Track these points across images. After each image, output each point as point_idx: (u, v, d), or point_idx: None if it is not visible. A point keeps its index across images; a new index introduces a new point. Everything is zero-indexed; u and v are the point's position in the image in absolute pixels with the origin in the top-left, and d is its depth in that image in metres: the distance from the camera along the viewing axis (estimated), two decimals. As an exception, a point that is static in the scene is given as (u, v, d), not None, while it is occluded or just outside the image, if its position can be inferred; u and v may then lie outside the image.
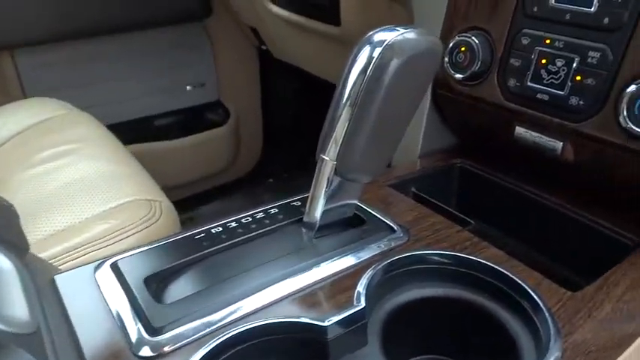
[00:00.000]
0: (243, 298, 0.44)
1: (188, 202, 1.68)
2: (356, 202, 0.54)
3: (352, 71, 0.45)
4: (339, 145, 0.48)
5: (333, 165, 0.49)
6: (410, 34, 0.46)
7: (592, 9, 0.51)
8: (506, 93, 0.60)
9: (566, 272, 0.63)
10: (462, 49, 0.62)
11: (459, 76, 0.63)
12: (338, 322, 0.41)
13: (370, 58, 0.44)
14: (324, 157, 0.49)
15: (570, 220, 0.61)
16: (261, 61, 1.72)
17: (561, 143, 0.57)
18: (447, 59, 0.64)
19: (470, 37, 0.61)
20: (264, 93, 1.76)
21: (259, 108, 1.76)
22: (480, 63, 0.61)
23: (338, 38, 1.00)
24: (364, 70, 0.44)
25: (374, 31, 0.45)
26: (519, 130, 0.61)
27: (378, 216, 0.56)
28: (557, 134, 0.57)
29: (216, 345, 0.37)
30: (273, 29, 1.31)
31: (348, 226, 0.54)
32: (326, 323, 0.41)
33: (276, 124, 1.80)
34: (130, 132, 1.54)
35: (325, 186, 0.51)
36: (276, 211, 0.56)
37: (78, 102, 1.16)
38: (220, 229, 0.54)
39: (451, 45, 0.63)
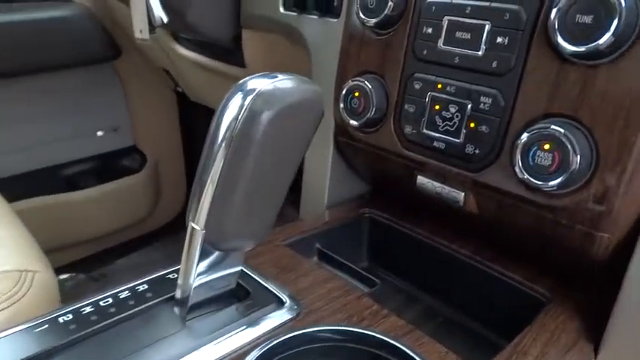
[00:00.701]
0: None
1: (101, 257, 1.55)
2: (238, 271, 0.47)
3: (221, 124, 0.39)
4: (207, 210, 0.41)
5: (203, 234, 0.42)
6: (284, 82, 0.41)
7: (480, 52, 0.48)
8: (403, 141, 0.56)
9: (480, 329, 0.58)
10: (356, 94, 0.57)
11: (354, 122, 0.58)
12: None
13: (240, 108, 0.38)
14: (192, 225, 0.42)
15: (482, 274, 0.57)
16: (180, 103, 1.65)
17: (463, 194, 0.53)
18: (342, 105, 0.59)
19: (363, 82, 0.57)
20: (185, 137, 1.67)
21: (180, 153, 1.67)
22: (374, 109, 0.56)
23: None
24: (233, 123, 0.38)
25: (248, 77, 0.40)
26: (421, 180, 0.57)
27: (267, 286, 0.49)
28: (458, 184, 0.53)
29: None
30: (184, 71, 1.25)
31: (230, 301, 0.47)
32: None
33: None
34: (32, 184, 1.41)
35: (197, 258, 0.44)
36: (146, 287, 0.48)
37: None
38: (92, 308, 0.45)
39: (345, 90, 0.59)
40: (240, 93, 0.39)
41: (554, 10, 0.41)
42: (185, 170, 1.69)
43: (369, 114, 0.57)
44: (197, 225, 0.42)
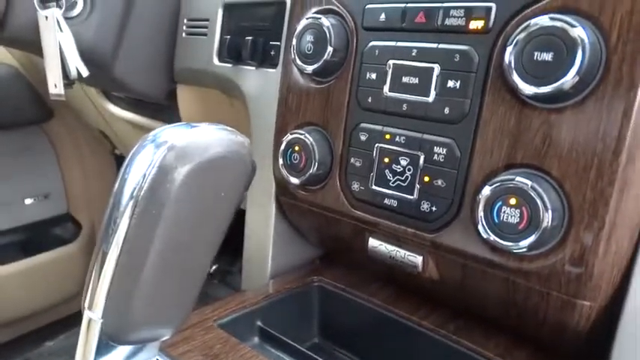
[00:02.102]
0: None
1: (27, 340, 1.38)
2: (151, 366, 0.38)
3: (125, 184, 0.32)
4: (106, 293, 0.32)
5: (101, 324, 0.33)
6: (204, 133, 0.34)
7: (430, 98, 0.43)
8: (351, 199, 0.49)
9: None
10: (297, 148, 0.51)
11: (295, 180, 0.51)
12: None
13: (149, 163, 0.31)
14: (88, 313, 0.33)
15: (448, 349, 0.49)
16: (119, 166, 1.55)
17: (421, 258, 0.46)
18: (281, 161, 0.53)
19: (304, 135, 0.50)
20: (125, 201, 1.56)
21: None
22: (317, 164, 0.50)
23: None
24: (140, 182, 0.31)
25: (163, 127, 0.33)
26: (373, 243, 0.50)
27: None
28: (414, 247, 0.46)
29: None
30: (120, 132, 1.16)
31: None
32: None
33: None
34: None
35: (93, 355, 0.34)
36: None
37: None
38: None
39: (284, 145, 0.52)
40: (150, 145, 0.32)
41: (508, 49, 0.37)
42: None
43: (311, 170, 0.50)
44: (93, 313, 0.33)
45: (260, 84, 0.62)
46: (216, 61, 0.69)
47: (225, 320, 0.52)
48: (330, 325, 0.61)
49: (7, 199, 1.36)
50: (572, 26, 0.34)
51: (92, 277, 0.33)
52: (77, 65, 0.66)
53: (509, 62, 0.37)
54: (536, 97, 0.36)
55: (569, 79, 0.34)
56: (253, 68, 0.63)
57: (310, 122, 0.52)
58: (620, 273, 0.37)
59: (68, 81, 0.67)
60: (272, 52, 0.61)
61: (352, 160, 0.48)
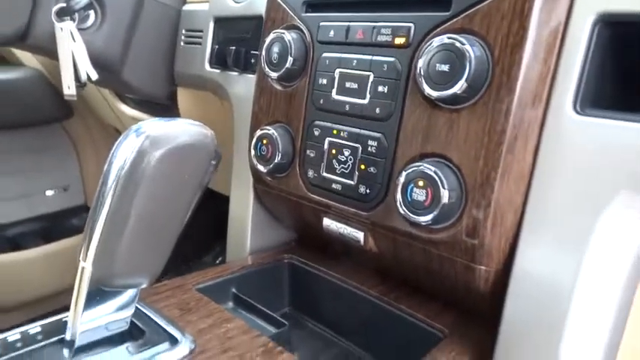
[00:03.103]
0: None
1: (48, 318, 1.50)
2: (130, 312, 0.48)
3: (112, 164, 0.41)
4: (95, 248, 0.42)
5: (90, 272, 0.43)
6: (175, 126, 0.43)
7: (365, 100, 0.52)
8: (307, 184, 0.59)
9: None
10: (264, 141, 0.60)
11: (262, 168, 0.61)
12: None
13: (130, 149, 0.40)
14: (81, 263, 0.43)
15: (388, 313, 0.58)
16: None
17: (362, 234, 0.55)
18: (253, 152, 0.62)
19: (270, 130, 0.60)
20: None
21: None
22: (280, 155, 0.59)
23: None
24: (122, 163, 0.40)
25: (144, 121, 0.42)
26: (326, 222, 0.59)
27: (163, 326, 0.50)
28: (357, 224, 0.56)
29: None
30: (131, 129, 1.27)
31: (122, 340, 0.47)
32: None
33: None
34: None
35: (84, 297, 0.44)
36: (38, 330, 0.48)
37: None
38: None
39: (255, 138, 0.62)
40: (133, 134, 0.41)
41: (420, 61, 0.46)
42: None
43: (276, 159, 0.60)
44: (85, 263, 0.43)
45: (242, 87, 0.72)
46: (207, 67, 0.79)
47: (203, 285, 0.61)
48: (298, 296, 0.70)
49: (30, 190, 1.49)
50: (462, 44, 0.43)
51: (86, 237, 0.43)
52: (87, 70, 0.77)
53: (420, 71, 0.46)
54: (440, 100, 0.45)
55: (460, 85, 0.43)
56: (237, 74, 0.73)
57: (277, 120, 0.62)
58: (508, 243, 0.45)
59: (80, 83, 0.77)
60: (252, 60, 0.71)
61: (308, 151, 0.58)
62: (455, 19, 0.45)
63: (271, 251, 0.72)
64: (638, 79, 0.43)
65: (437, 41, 0.44)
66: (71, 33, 0.76)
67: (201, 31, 0.81)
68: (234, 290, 0.65)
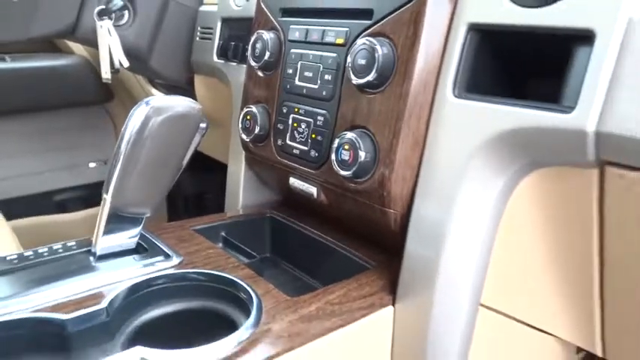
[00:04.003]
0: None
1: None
2: (137, 234, 0.66)
3: (127, 125, 0.59)
4: (114, 185, 0.61)
5: (110, 201, 0.62)
6: (173, 101, 0.61)
7: (316, 85, 0.68)
8: (278, 151, 0.76)
9: (319, 286, 0.75)
10: (248, 117, 0.78)
11: (245, 137, 0.79)
12: (79, 318, 0.51)
13: (140, 115, 0.58)
14: (105, 195, 0.62)
15: (334, 252, 0.75)
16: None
17: (315, 188, 0.72)
18: (240, 125, 0.80)
19: (253, 108, 0.77)
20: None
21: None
22: (259, 127, 0.77)
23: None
24: (134, 125, 0.58)
25: (153, 97, 0.60)
26: (292, 181, 0.76)
27: (162, 247, 0.68)
28: (311, 181, 0.73)
29: None
30: (160, 111, 1.47)
31: (131, 253, 0.66)
32: (66, 317, 0.51)
33: (181, 196, 1.91)
34: (28, 206, 1.62)
35: (105, 218, 0.63)
36: (74, 244, 0.67)
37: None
38: (15, 256, 0.64)
39: (242, 115, 0.79)
40: (143, 105, 0.59)
41: (349, 57, 0.62)
42: (166, 198, 1.90)
43: (255, 131, 0.77)
44: (107, 195, 0.62)
45: (239, 75, 0.90)
46: (215, 58, 0.97)
47: (198, 227, 0.80)
48: (276, 244, 0.87)
49: (76, 162, 1.72)
50: (374, 44, 0.59)
51: (107, 177, 0.61)
52: (120, 59, 0.96)
53: (349, 64, 0.62)
54: (361, 86, 0.61)
55: (372, 75, 0.59)
56: (235, 64, 0.91)
57: (259, 100, 0.79)
58: (409, 192, 0.61)
59: (114, 70, 0.97)
60: (246, 54, 0.88)
61: (278, 125, 0.75)
62: (374, 27, 0.61)
63: (258, 208, 0.90)
64: (509, 71, 0.58)
65: (359, 42, 0.61)
66: (108, 29, 0.96)
67: (211, 28, 1.00)
68: (223, 234, 0.83)
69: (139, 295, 0.59)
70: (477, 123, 0.54)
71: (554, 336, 0.71)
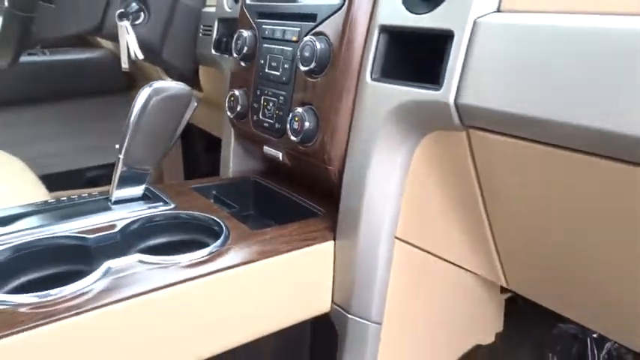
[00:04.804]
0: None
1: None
2: (142, 188, 0.88)
3: (135, 103, 0.81)
4: (125, 147, 0.82)
5: (122, 159, 0.83)
6: (169, 85, 0.82)
7: (279, 73, 0.88)
8: (254, 125, 0.96)
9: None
10: (232, 98, 0.99)
11: (230, 115, 0.99)
12: (98, 238, 0.73)
13: (144, 95, 0.79)
14: (119, 155, 0.84)
15: (296, 204, 0.95)
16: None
17: (281, 153, 0.93)
18: (226, 105, 1.01)
19: (236, 92, 0.98)
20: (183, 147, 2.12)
21: (180, 159, 2.12)
22: (240, 107, 0.97)
23: (204, 100, 1.38)
24: (140, 102, 0.80)
25: (154, 81, 0.81)
26: (265, 148, 0.97)
27: (163, 197, 0.89)
28: (277, 148, 0.93)
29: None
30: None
31: (138, 200, 0.88)
32: (89, 236, 0.73)
33: (197, 173, 2.14)
34: (62, 180, 1.88)
35: (119, 173, 0.85)
36: (95, 193, 0.89)
37: (20, 154, 1.50)
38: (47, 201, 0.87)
39: (228, 97, 1.00)
40: (147, 87, 0.80)
41: (298, 50, 0.82)
42: (184, 173, 2.13)
43: (237, 109, 0.98)
44: (121, 155, 0.83)
45: (230, 65, 1.10)
46: (213, 51, 1.18)
47: (194, 186, 1.01)
48: (259, 203, 1.08)
49: (104, 144, 1.97)
50: (314, 41, 0.78)
51: (120, 141, 0.83)
52: (136, 52, 1.18)
53: (298, 56, 0.82)
54: (307, 72, 0.81)
55: (312, 65, 0.79)
56: (227, 56, 1.12)
57: (241, 85, 1.00)
58: (343, 153, 0.81)
59: (131, 61, 1.19)
60: (235, 47, 1.08)
61: (254, 104, 0.95)
62: (316, 27, 0.81)
63: (245, 173, 1.11)
64: (410, 60, 0.77)
65: (306, 39, 0.80)
66: (127, 28, 1.18)
67: (211, 26, 1.20)
68: (214, 192, 1.04)
69: (143, 227, 0.81)
70: (385, 98, 0.73)
71: (469, 271, 0.90)
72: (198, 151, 1.91)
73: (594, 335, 1.18)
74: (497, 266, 0.85)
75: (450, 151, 0.73)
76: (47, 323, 0.57)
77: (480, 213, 0.77)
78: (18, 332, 0.55)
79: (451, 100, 0.64)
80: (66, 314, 0.58)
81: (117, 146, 0.84)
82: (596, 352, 1.17)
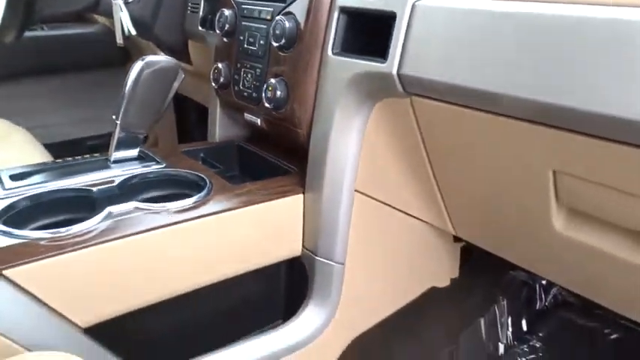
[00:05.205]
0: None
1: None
2: (137, 150, 1.01)
3: (129, 74, 0.93)
4: (122, 113, 0.95)
5: (119, 124, 0.96)
6: (158, 59, 0.94)
7: (256, 48, 1.00)
8: (235, 94, 1.09)
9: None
10: (216, 71, 1.11)
11: (215, 85, 1.12)
12: (100, 190, 0.87)
13: (137, 67, 0.92)
14: (116, 121, 0.96)
15: (273, 164, 1.08)
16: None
17: (259, 119, 1.05)
18: (211, 76, 1.13)
19: (219, 65, 1.10)
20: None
21: (174, 128, 2.23)
22: (223, 78, 1.09)
23: (193, 73, 1.50)
24: (134, 74, 0.92)
25: (147, 56, 0.94)
26: (246, 115, 1.09)
27: (155, 157, 1.02)
28: (255, 114, 1.05)
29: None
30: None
31: (133, 160, 1.01)
32: (93, 188, 0.86)
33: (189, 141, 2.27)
34: (64, 149, 2.00)
35: (117, 135, 0.97)
36: (97, 155, 1.02)
37: (20, 125, 1.62)
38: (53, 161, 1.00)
39: (212, 70, 1.12)
40: (139, 61, 0.92)
41: (271, 28, 0.94)
42: (178, 142, 2.25)
43: (221, 81, 1.10)
44: (118, 120, 0.96)
45: (214, 40, 1.22)
46: (200, 28, 1.30)
47: (184, 150, 1.14)
48: (243, 165, 1.21)
49: (101, 115, 2.08)
50: (283, 20, 0.90)
51: (117, 108, 0.95)
52: (129, 28, 1.29)
53: (271, 33, 0.94)
54: (278, 48, 0.93)
55: (282, 41, 0.91)
56: (212, 32, 1.23)
57: (223, 59, 1.12)
58: (310, 118, 0.93)
59: (125, 36, 1.30)
60: (219, 24, 1.20)
61: (235, 76, 1.07)
62: (286, 8, 0.93)
63: (231, 138, 1.24)
64: (367, 37, 0.89)
65: (277, 18, 0.92)
66: (120, 6, 1.28)
67: (198, 4, 1.31)
68: (202, 155, 1.17)
69: (138, 181, 0.94)
70: (344, 70, 0.85)
71: (422, 220, 1.04)
72: (190, 120, 2.03)
73: (543, 282, 1.34)
74: (444, 215, 0.99)
75: (398, 116, 0.85)
76: (60, 254, 0.70)
77: (427, 169, 0.91)
78: (38, 260, 0.68)
79: (394, 71, 0.77)
80: (75, 247, 0.71)
81: (114, 117, 0.96)
82: (543, 296, 1.33)
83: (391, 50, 0.77)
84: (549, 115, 0.62)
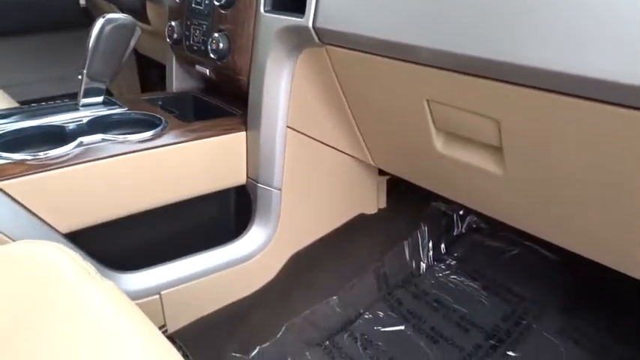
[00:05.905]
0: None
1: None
2: (101, 98, 1.17)
3: (92, 31, 1.08)
4: (87, 64, 1.11)
5: (85, 74, 1.12)
6: (118, 16, 1.10)
7: (202, 7, 1.17)
8: (187, 49, 1.25)
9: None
10: (170, 28, 1.27)
11: (169, 41, 1.28)
12: (71, 127, 1.04)
13: (99, 24, 1.07)
14: (83, 71, 1.12)
15: (220, 108, 1.26)
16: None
17: (208, 70, 1.23)
18: (166, 33, 1.29)
19: (172, 22, 1.26)
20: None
21: (137, 84, 2.37)
22: (176, 35, 1.26)
23: (152, 32, 1.64)
24: (95, 30, 1.08)
25: (109, 14, 1.09)
26: (197, 67, 1.26)
27: (119, 103, 1.19)
28: (205, 65, 1.23)
29: None
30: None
31: (100, 105, 1.17)
32: (65, 125, 1.03)
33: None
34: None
35: (83, 86, 1.14)
36: (67, 100, 1.19)
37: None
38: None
39: (167, 26, 1.28)
40: (101, 18, 1.08)
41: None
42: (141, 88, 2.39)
43: (174, 37, 1.26)
44: (84, 70, 1.12)
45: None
46: (155, -11, 1.44)
47: (144, 98, 1.30)
48: (199, 114, 1.38)
49: (67, 75, 2.19)
50: (223, -18, 1.07)
51: (83, 61, 1.11)
52: (91, -10, 1.43)
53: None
54: (220, 6, 1.10)
55: (222, 0, 1.08)
56: (166, -6, 1.38)
57: (175, 17, 1.27)
58: (248, 65, 1.11)
59: (87, -1, 1.44)
60: (172, -14, 1.35)
61: (186, 33, 1.24)
62: (225, -28, 1.09)
63: (187, 90, 1.41)
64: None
65: (217, -18, 1.09)
66: (82, -30, 1.42)
67: (153, -32, 1.46)
68: (160, 103, 1.34)
69: (104, 120, 1.11)
70: (272, 25, 1.03)
71: (347, 154, 1.24)
72: (151, 78, 2.17)
73: (460, 212, 1.57)
74: (364, 149, 1.20)
75: (319, 63, 1.04)
76: (40, 172, 0.88)
77: (346, 109, 1.10)
78: (23, 175, 0.86)
79: (310, 24, 0.95)
80: (53, 167, 0.89)
81: (79, 77, 1.12)
82: (459, 223, 1.56)
83: (307, 6, 0.95)
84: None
